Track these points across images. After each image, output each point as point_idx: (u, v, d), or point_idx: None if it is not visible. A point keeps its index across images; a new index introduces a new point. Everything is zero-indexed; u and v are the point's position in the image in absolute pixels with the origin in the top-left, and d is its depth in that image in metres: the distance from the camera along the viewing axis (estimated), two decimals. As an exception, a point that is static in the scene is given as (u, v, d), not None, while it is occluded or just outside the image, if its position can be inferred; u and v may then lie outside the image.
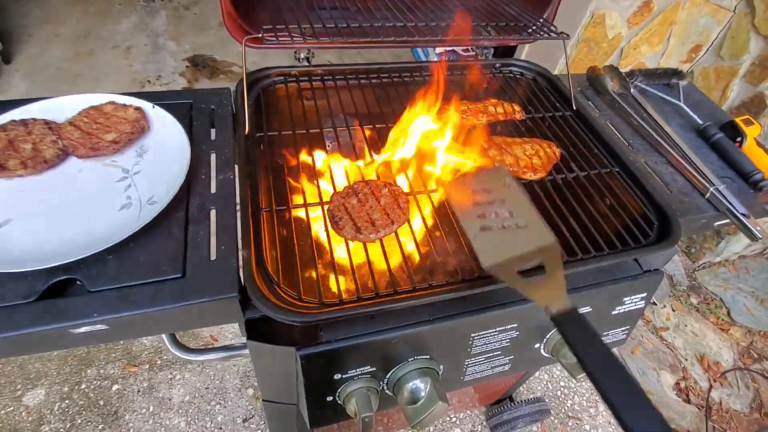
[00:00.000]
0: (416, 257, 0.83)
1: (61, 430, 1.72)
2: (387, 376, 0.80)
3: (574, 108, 1.13)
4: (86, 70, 2.93)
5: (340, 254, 0.82)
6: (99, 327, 0.65)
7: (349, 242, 0.79)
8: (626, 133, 1.11)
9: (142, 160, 0.81)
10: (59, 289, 0.66)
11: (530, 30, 1.16)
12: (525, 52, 2.20)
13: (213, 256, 0.72)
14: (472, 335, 0.83)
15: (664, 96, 1.24)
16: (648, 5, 1.93)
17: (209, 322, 0.78)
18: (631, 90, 1.18)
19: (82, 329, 0.64)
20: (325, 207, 0.82)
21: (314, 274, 0.76)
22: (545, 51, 2.20)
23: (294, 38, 0.93)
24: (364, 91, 1.11)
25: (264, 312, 0.66)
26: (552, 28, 1.11)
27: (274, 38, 0.93)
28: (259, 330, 0.74)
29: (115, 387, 1.87)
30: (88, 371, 1.90)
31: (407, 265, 0.77)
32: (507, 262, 0.67)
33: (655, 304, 1.21)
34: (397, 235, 0.81)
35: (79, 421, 1.75)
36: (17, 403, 1.76)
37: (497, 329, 0.84)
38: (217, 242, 0.73)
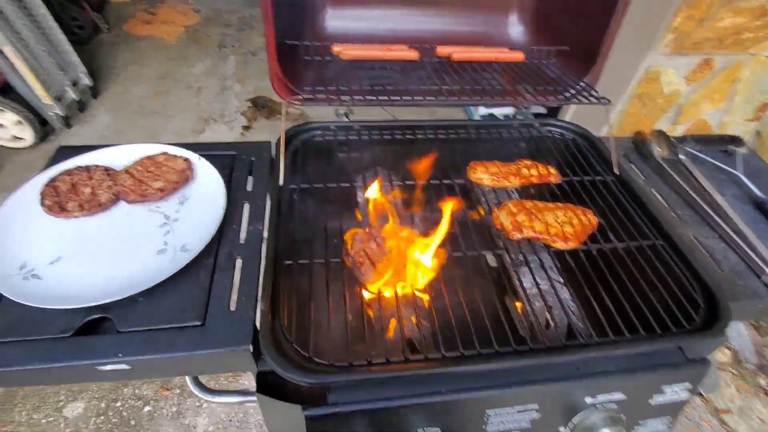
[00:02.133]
0: (434, 322, 0.82)
1: (93, 446, 1.79)
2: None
3: (616, 173, 1.09)
4: (161, 107, 3.26)
5: (354, 312, 0.82)
6: (122, 366, 0.68)
7: (367, 298, 0.80)
8: (674, 202, 1.05)
9: (183, 207, 0.88)
10: (92, 325, 0.71)
11: (569, 93, 1.15)
12: (571, 112, 2.17)
13: (233, 307, 0.74)
14: (488, 412, 0.78)
15: (719, 164, 1.16)
16: (708, 63, 1.85)
17: (224, 369, 0.80)
18: (682, 156, 1.11)
19: (107, 367, 0.68)
20: (349, 255, 0.83)
21: (328, 333, 0.76)
22: (591, 110, 2.16)
23: (330, 98, 0.99)
24: (398, 146, 1.14)
25: (273, 368, 0.67)
26: (593, 93, 1.09)
27: (312, 99, 0.99)
28: (269, 384, 0.75)
29: (146, 408, 1.94)
30: (125, 390, 1.99)
31: (420, 330, 0.75)
32: None
33: (701, 395, 1.08)
34: (415, 296, 0.80)
35: (110, 439, 1.82)
36: (58, 413, 1.87)
37: (516, 408, 0.79)
38: (239, 293, 0.76)
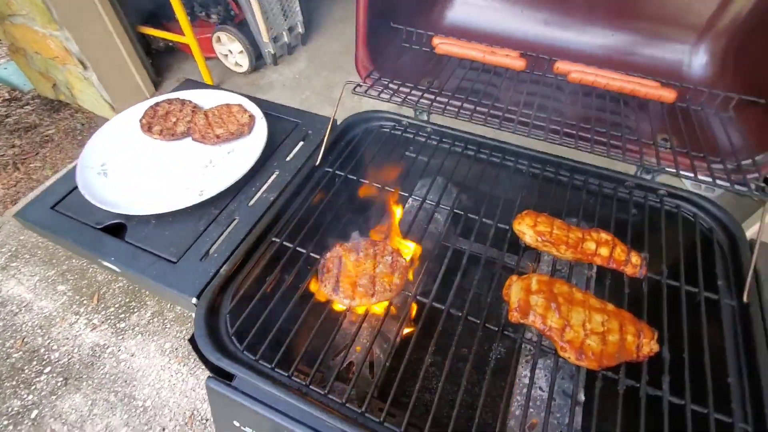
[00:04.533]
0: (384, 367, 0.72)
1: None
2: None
3: (746, 301, 0.73)
4: (346, 64, 3.58)
5: (308, 314, 0.78)
6: (114, 268, 0.82)
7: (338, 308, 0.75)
8: (823, 383, 0.65)
9: (227, 157, 0.96)
10: (116, 228, 0.87)
11: (720, 167, 0.80)
12: None
13: (206, 258, 0.80)
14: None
15: None
16: None
17: (177, 304, 0.88)
18: None
19: (105, 263, 0.83)
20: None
21: (269, 320, 0.75)
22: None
23: (401, 91, 0.91)
24: (466, 163, 0.99)
25: (195, 330, 0.70)
26: (751, 176, 0.73)
27: (385, 88, 0.93)
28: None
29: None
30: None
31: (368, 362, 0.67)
32: None
33: None
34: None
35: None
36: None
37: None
38: (217, 249, 0.81)
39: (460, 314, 0.73)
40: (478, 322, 0.72)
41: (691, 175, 0.82)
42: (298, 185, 0.91)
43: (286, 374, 0.67)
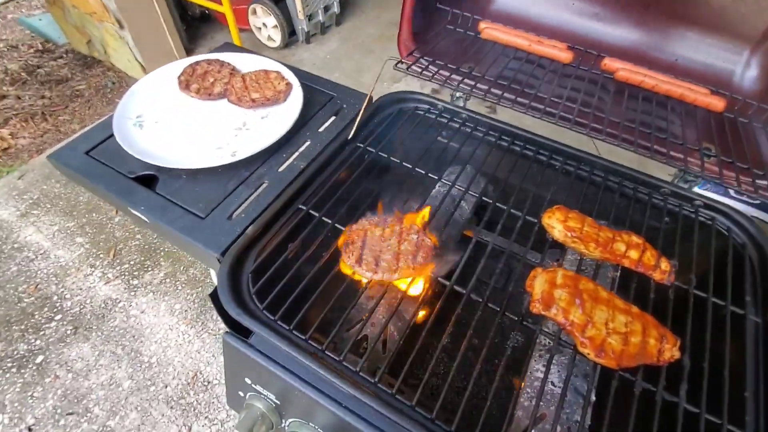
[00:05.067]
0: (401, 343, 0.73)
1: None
2: (286, 423, 0.75)
3: (773, 318, 0.71)
4: (379, 49, 3.55)
5: (329, 282, 0.79)
6: (143, 218, 0.83)
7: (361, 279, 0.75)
8: None
9: (261, 122, 0.96)
10: (148, 178, 0.88)
11: (764, 183, 0.78)
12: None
13: (233, 217, 0.81)
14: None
15: None
16: None
17: (202, 260, 0.89)
18: None
19: (135, 212, 0.84)
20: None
21: (289, 283, 0.76)
22: None
23: (441, 75, 0.90)
24: (499, 154, 0.98)
25: (217, 285, 0.71)
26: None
27: (424, 70, 0.92)
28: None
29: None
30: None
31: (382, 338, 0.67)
32: None
33: None
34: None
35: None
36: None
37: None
38: (245, 209, 0.82)
39: (481, 300, 0.73)
40: (498, 309, 0.72)
41: (735, 185, 0.80)
42: (329, 156, 0.91)
43: (304, 338, 0.68)
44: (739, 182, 0.80)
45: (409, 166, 0.93)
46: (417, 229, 0.78)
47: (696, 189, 2.50)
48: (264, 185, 0.86)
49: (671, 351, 0.66)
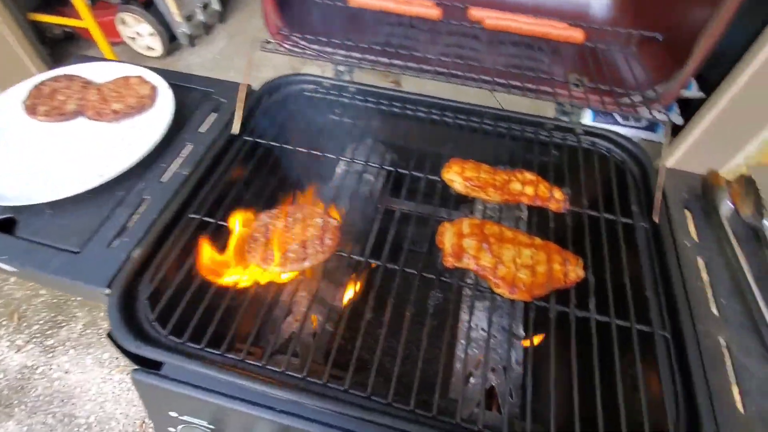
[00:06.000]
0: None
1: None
2: (225, 442, 0.70)
3: (655, 220, 0.78)
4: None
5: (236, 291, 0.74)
6: (7, 267, 0.72)
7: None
8: (724, 288, 0.71)
9: (129, 133, 0.87)
10: (7, 222, 0.76)
11: (628, 100, 0.84)
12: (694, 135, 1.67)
13: (114, 244, 0.72)
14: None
15: None
16: None
17: (87, 298, 0.80)
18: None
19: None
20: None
21: (193, 301, 0.70)
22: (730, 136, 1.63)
23: (319, 50, 0.87)
24: (396, 120, 0.97)
25: (110, 322, 0.64)
26: (655, 105, 0.78)
27: (294, 45, 0.88)
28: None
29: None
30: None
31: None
32: None
33: None
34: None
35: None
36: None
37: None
38: (128, 232, 0.74)
39: (397, 267, 0.72)
40: (415, 272, 0.71)
41: (602, 107, 0.86)
42: (215, 156, 0.84)
43: (219, 352, 0.63)
44: (604, 104, 0.86)
45: (304, 150, 0.89)
46: (320, 212, 0.76)
47: (591, 122, 2.71)
48: (146, 201, 0.78)
49: (575, 271, 0.70)
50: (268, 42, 0.86)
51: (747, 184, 0.78)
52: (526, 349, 0.80)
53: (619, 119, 2.29)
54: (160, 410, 0.70)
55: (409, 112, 0.98)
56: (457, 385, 0.74)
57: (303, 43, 0.90)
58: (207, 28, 3.38)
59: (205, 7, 3.30)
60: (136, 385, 0.66)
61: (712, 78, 1.90)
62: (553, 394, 0.60)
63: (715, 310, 0.68)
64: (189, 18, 3.17)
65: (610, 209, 0.81)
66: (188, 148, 0.86)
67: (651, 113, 0.78)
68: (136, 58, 3.13)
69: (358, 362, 0.63)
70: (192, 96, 0.95)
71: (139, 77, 0.94)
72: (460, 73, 0.88)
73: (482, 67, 0.95)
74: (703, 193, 0.81)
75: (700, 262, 0.73)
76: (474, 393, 0.72)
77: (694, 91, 2.30)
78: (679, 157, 1.92)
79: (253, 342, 0.65)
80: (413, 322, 0.68)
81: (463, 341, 0.78)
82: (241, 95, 0.87)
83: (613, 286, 0.71)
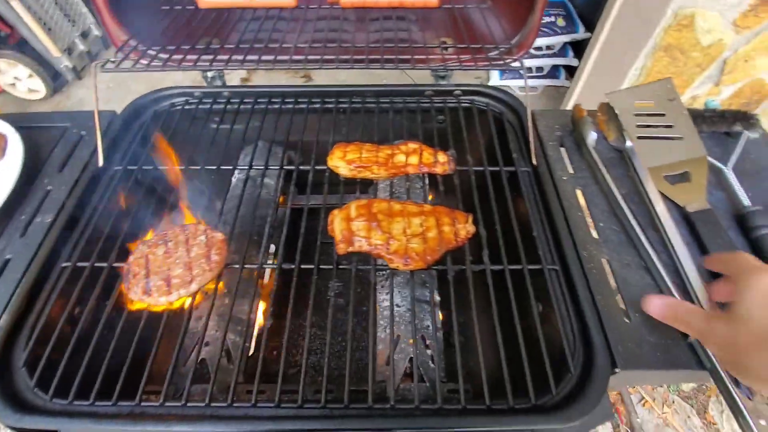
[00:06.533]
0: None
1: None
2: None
3: (534, 162, 0.81)
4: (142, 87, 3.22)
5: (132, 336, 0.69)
6: None
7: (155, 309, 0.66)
8: (601, 212, 0.75)
9: (-22, 191, 0.78)
10: None
11: (495, 54, 0.87)
12: (587, 72, 1.76)
13: (-24, 316, 0.65)
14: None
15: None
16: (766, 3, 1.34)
17: None
18: (630, 144, 0.79)
19: None
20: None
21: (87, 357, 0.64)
22: (615, 67, 1.73)
23: (176, 58, 0.81)
24: (279, 117, 0.93)
25: (-18, 399, 0.57)
26: (506, 58, 0.80)
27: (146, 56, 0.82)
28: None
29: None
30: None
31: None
32: (659, 168, 0.76)
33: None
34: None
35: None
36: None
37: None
38: (-8, 299, 0.66)
39: (293, 266, 0.70)
40: (312, 266, 0.70)
41: (474, 65, 0.88)
42: (82, 195, 0.78)
43: (110, 403, 0.58)
44: (476, 61, 0.88)
45: (182, 168, 0.84)
46: (203, 229, 0.72)
47: (499, 81, 2.74)
48: (7, 261, 0.70)
49: (465, 228, 0.71)
50: (110, 61, 0.79)
51: (608, 111, 0.82)
52: (443, 314, 0.81)
53: (522, 73, 2.36)
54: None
55: (288, 105, 0.95)
56: (383, 366, 0.74)
57: (162, 54, 0.85)
58: (92, 57, 3.13)
59: (84, 35, 3.04)
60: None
61: (595, 19, 2.01)
62: (471, 349, 0.61)
63: (595, 234, 0.72)
64: (69, 51, 2.92)
65: (493, 161, 0.83)
66: (49, 193, 0.79)
67: (508, 63, 0.80)
68: (21, 104, 2.86)
69: (286, 375, 0.61)
70: (49, 135, 0.87)
71: (-17, 126, 0.84)
72: (333, 57, 0.86)
73: (355, 48, 0.94)
74: (573, 128, 0.85)
75: (578, 193, 0.77)
76: (399, 371, 0.72)
77: (581, 33, 2.43)
78: (578, 96, 2.02)
79: (163, 381, 0.61)
80: (319, 317, 0.67)
81: (382, 322, 0.78)
82: (98, 125, 0.81)
83: (503, 234, 0.73)
